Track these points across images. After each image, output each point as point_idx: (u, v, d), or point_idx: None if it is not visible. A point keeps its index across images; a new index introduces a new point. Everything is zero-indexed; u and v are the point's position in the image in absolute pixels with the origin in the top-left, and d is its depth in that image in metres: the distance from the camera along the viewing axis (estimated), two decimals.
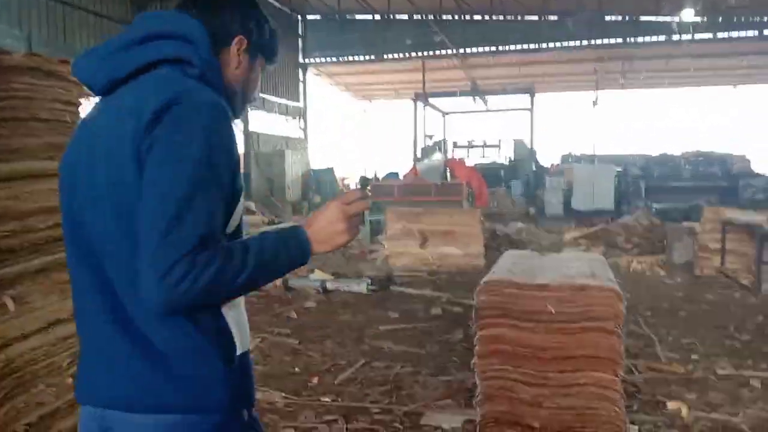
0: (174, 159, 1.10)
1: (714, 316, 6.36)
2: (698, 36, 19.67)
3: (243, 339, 1.27)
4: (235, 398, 1.24)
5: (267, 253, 1.18)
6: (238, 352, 1.25)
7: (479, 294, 3.47)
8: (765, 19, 19.45)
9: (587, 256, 4.46)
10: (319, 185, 21.43)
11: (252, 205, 15.70)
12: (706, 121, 30.90)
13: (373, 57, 23.11)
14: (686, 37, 19.84)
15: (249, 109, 19.95)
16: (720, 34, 19.69)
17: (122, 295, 1.17)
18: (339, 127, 28.61)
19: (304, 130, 23.71)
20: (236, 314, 1.26)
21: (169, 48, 1.23)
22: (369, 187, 10.60)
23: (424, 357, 4.96)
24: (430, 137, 19.50)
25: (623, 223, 11.11)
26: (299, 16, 23.51)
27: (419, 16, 21.52)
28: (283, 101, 22.26)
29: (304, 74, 23.91)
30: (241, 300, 1.29)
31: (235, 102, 1.36)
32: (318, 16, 23.62)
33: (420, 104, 21.31)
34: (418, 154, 18.64)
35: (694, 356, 4.99)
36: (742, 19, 19.49)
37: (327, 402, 3.99)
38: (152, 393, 1.16)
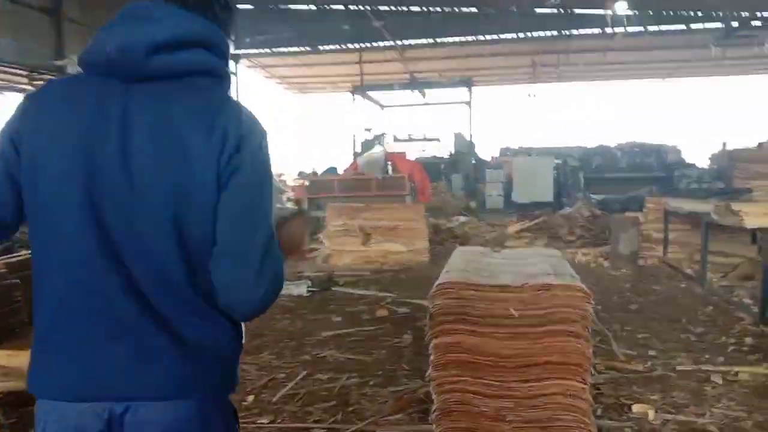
0: (261, 180, 1.23)
1: (665, 308, 6.23)
2: (630, 29, 20.00)
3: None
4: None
5: None
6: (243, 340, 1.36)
7: (434, 297, 3.10)
8: (692, 13, 20.00)
9: (543, 252, 4.16)
10: None
11: None
12: (638, 113, 31.75)
13: (308, 48, 22.48)
14: (619, 29, 20.15)
15: None
16: (651, 28, 20.08)
17: (152, 293, 1.20)
18: (275, 121, 27.80)
19: None
20: None
21: (209, 62, 1.27)
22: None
23: (371, 365, 4.56)
24: (369, 131, 19.11)
25: (564, 214, 11.05)
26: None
27: (356, 7, 21.04)
28: None
29: (236, 66, 23.04)
30: None
31: None
32: (250, 6, 22.80)
33: (358, 97, 20.95)
34: (358, 148, 18.25)
35: (651, 352, 4.79)
36: (671, 13, 19.97)
37: (264, 424, 3.54)
38: (186, 380, 1.23)
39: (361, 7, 20.79)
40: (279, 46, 22.80)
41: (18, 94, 17.34)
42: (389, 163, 10.24)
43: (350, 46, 22.40)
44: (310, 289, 6.94)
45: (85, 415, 1.20)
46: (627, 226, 8.35)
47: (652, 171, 14.22)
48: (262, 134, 1.26)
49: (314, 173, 11.15)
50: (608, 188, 14.35)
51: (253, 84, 26.01)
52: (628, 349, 4.84)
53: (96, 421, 1.20)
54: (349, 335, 5.32)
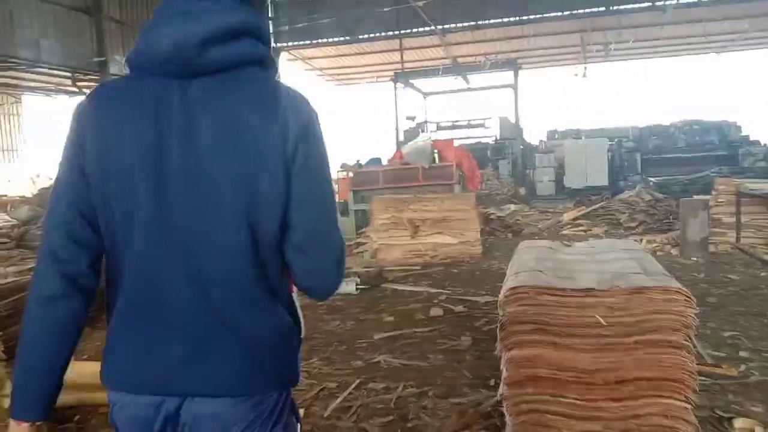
0: (326, 165, 1.27)
1: (748, 300, 5.67)
2: (683, 0, 18.94)
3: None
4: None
5: None
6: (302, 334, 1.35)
7: (506, 305, 2.70)
8: None
9: (622, 245, 3.68)
10: None
11: None
12: (693, 89, 30.29)
13: (347, 38, 22.13)
14: (671, 1, 19.12)
15: None
16: None
17: (217, 289, 1.19)
18: (319, 114, 27.58)
19: None
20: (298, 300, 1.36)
21: (258, 51, 1.26)
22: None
23: (429, 372, 4.18)
24: (413, 119, 18.64)
25: (624, 199, 10.42)
26: None
27: None
28: None
29: (277, 59, 22.91)
30: None
31: None
32: None
33: (400, 86, 20.51)
34: (401, 137, 17.83)
35: (743, 353, 4.28)
36: None
37: None
38: (245, 377, 1.21)
39: None
40: (318, 38, 22.55)
41: (65, 96, 17.56)
42: (435, 151, 9.81)
43: (390, 33, 21.97)
44: (359, 286, 6.61)
45: (142, 407, 1.22)
46: (696, 210, 7.72)
47: (714, 149, 13.34)
48: (317, 117, 1.27)
49: (358, 164, 10.76)
50: (667, 170, 13.58)
51: (295, 77, 25.89)
52: (715, 350, 4.34)
53: (152, 413, 1.21)
54: (402, 337, 4.97)
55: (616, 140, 14.73)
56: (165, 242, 1.19)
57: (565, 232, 9.86)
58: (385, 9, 20.76)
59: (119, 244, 1.21)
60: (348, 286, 6.51)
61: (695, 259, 7.66)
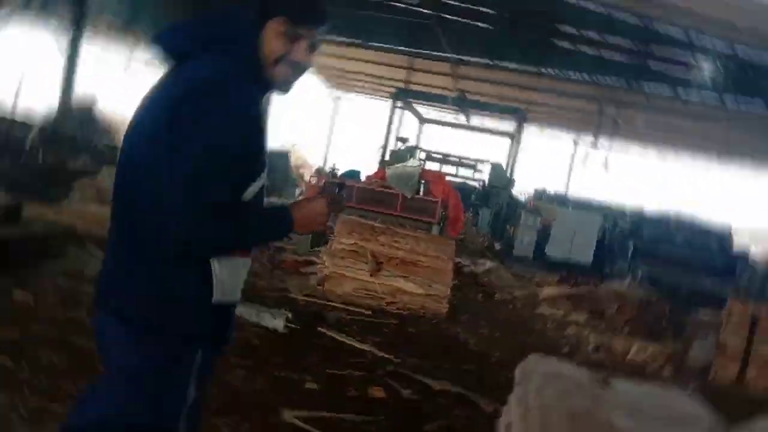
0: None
1: None
2: (706, 95, 18.13)
3: (225, 291, 1.57)
4: (195, 336, 1.57)
5: (260, 223, 1.61)
6: (214, 299, 1.55)
7: None
8: None
9: (678, 409, 2.37)
10: (271, 172, 18.97)
11: None
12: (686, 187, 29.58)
13: (355, 40, 20.82)
14: (693, 96, 18.33)
15: None
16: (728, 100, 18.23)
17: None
18: (305, 109, 26.11)
19: None
20: (228, 269, 1.56)
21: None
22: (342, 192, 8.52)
23: None
24: (404, 141, 17.34)
25: (615, 290, 9.22)
26: None
27: (417, 8, 19.39)
28: None
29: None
30: (240, 262, 1.62)
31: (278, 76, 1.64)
32: None
33: (399, 104, 19.27)
34: (387, 158, 16.50)
35: None
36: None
37: None
38: (140, 307, 1.53)
39: (423, 10, 19.14)
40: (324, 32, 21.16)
41: None
42: (423, 181, 8.51)
43: (400, 48, 20.74)
44: (289, 324, 5.17)
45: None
46: (705, 332, 6.52)
47: (713, 258, 12.33)
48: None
49: (333, 173, 9.34)
50: (659, 266, 12.49)
51: None
52: None
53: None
54: (323, 424, 3.53)
55: (611, 219, 13.65)
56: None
57: (542, 310, 8.59)
58: (400, 17, 19.51)
59: None
60: (275, 320, 5.07)
61: (691, 387, 6.41)
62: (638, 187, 29.38)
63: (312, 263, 7.51)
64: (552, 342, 7.07)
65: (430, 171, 9.16)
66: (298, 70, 1.60)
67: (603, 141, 24.20)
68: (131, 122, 1.55)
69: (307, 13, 1.56)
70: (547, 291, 9.17)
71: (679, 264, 12.14)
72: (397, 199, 8.21)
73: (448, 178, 18.25)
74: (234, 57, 1.50)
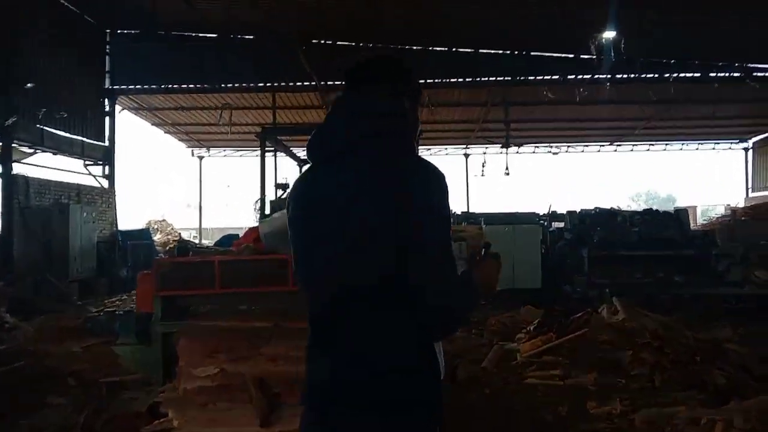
0: None
1: None
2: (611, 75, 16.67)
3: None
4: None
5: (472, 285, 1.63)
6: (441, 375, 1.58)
7: None
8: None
9: None
10: (131, 252, 15.38)
11: None
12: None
13: (206, 86, 17.78)
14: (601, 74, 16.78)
15: (16, 143, 13.71)
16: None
17: None
18: (164, 175, 22.47)
19: (110, 177, 17.45)
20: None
21: None
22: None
23: None
24: (284, 187, 14.29)
25: (613, 323, 6.63)
26: (107, 29, 17.70)
27: (269, 37, 16.70)
28: (78, 138, 16.07)
29: (112, 105, 17.93)
30: None
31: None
32: (134, 30, 17.94)
33: (271, 146, 16.23)
34: (267, 210, 13.37)
35: None
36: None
37: None
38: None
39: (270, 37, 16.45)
40: (166, 81, 17.97)
41: None
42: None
43: (260, 84, 17.93)
44: None
45: None
46: None
47: (679, 248, 10.26)
48: None
49: (177, 248, 6.06)
50: (619, 271, 10.27)
51: (136, 131, 20.87)
52: None
53: None
54: None
55: (554, 229, 11.35)
56: None
57: (532, 379, 5.79)
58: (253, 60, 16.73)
59: None
60: None
61: None
62: (557, 186, 28.05)
63: (159, 417, 4.26)
64: None
65: None
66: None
67: (497, 146, 22.58)
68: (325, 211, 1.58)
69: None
70: (525, 346, 6.41)
71: (638, 262, 10.00)
72: (286, 266, 5.22)
73: None
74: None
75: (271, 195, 14.79)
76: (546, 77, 17.79)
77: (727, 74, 17.57)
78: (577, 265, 10.12)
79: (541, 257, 10.77)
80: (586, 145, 26.36)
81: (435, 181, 1.54)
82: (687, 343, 6.10)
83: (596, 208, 11.64)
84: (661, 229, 10.58)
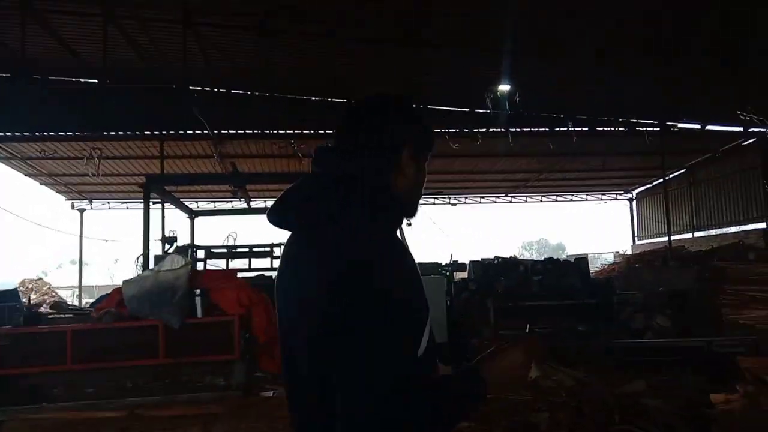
0: None
1: None
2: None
3: None
4: None
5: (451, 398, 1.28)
6: None
7: None
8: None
9: None
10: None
11: None
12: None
13: (86, 133, 16.46)
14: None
15: None
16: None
17: None
18: (40, 231, 20.50)
19: None
20: None
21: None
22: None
23: None
24: (171, 242, 13.19)
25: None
26: None
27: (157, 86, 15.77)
28: None
29: None
30: None
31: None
32: (5, 74, 16.38)
33: (158, 198, 15.10)
34: (151, 266, 12.18)
35: None
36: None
37: None
38: None
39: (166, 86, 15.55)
40: (45, 130, 16.49)
41: None
42: (198, 292, 4.75)
43: (146, 133, 16.83)
44: None
45: None
46: None
47: (581, 296, 10.20)
48: None
49: (21, 317, 5.00)
50: (522, 322, 10.00)
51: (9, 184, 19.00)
52: None
53: None
54: None
55: (459, 279, 10.99)
56: None
57: None
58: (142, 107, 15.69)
59: None
60: None
61: None
62: (455, 236, 28.24)
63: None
64: None
65: (210, 272, 5.27)
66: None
67: None
68: None
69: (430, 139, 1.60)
70: None
71: (542, 312, 9.84)
72: (156, 334, 4.37)
73: (242, 275, 14.46)
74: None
75: (157, 249, 13.68)
76: (443, 130, 17.91)
77: (613, 129, 18.43)
78: (483, 316, 9.78)
79: (446, 309, 10.34)
80: (482, 197, 26.87)
81: (345, 282, 1.24)
82: (604, 401, 5.74)
83: (496, 257, 11.48)
84: (563, 277, 10.52)
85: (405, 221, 1.56)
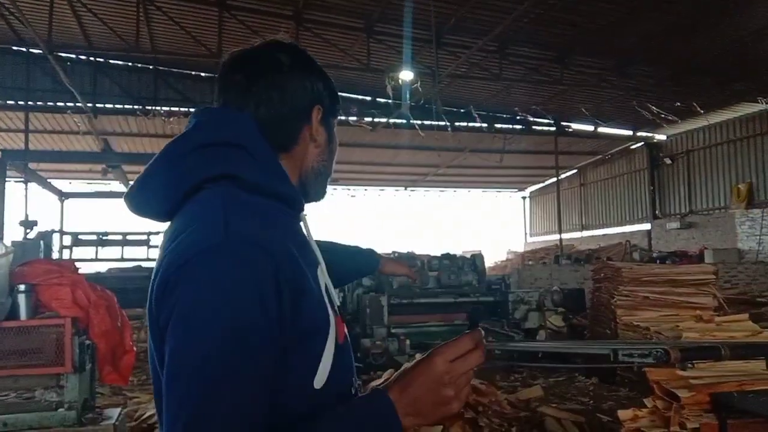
0: None
1: None
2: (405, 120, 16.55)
3: None
4: None
5: None
6: None
7: None
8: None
9: None
10: None
11: None
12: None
13: None
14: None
15: None
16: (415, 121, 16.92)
17: None
18: None
19: None
20: None
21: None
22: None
23: None
24: (30, 225, 11.68)
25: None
26: None
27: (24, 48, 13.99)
28: None
29: None
30: None
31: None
32: None
33: (20, 177, 13.45)
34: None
35: None
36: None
37: None
38: None
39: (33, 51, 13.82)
40: None
41: None
42: (22, 288, 3.78)
43: (11, 102, 14.98)
44: None
45: None
46: None
47: (475, 293, 9.86)
48: None
49: None
50: (416, 319, 9.61)
51: None
52: None
53: None
54: None
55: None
56: None
57: None
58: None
59: None
60: None
61: None
62: (353, 229, 27.75)
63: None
64: None
65: (38, 263, 4.23)
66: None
67: None
68: None
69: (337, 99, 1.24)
70: None
71: (437, 309, 9.45)
72: None
73: (117, 264, 13.05)
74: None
75: (16, 235, 12.11)
76: (343, 118, 17.24)
77: (511, 126, 18.51)
78: (376, 314, 9.20)
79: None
80: (382, 189, 26.48)
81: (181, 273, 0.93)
82: (502, 412, 5.29)
83: (394, 252, 10.97)
84: (460, 274, 10.16)
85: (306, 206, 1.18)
